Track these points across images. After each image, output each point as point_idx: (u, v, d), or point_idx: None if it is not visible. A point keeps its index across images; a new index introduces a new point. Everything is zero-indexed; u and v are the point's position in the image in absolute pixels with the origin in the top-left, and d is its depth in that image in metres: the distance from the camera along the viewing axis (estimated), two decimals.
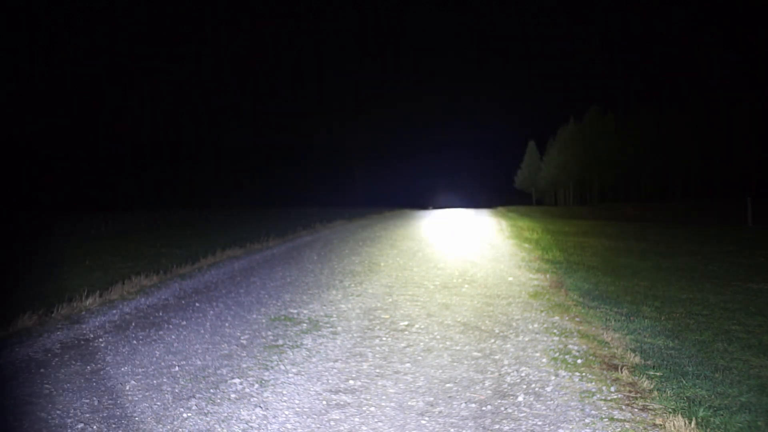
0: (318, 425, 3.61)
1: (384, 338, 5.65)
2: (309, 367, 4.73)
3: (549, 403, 3.94)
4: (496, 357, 5.01)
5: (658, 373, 4.49)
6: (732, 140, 65.22)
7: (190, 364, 4.78)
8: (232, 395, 4.09)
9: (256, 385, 4.28)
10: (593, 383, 4.29)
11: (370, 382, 4.38)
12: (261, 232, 17.41)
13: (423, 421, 3.67)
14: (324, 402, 3.99)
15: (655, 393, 4.08)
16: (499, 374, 4.55)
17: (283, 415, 3.75)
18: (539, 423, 3.61)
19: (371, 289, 8.25)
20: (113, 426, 3.57)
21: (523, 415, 3.74)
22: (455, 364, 4.83)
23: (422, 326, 6.11)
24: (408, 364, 4.82)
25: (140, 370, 4.62)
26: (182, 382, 4.33)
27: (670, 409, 3.78)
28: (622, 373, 4.49)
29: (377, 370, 4.66)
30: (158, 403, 3.92)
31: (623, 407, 3.84)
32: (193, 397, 4.05)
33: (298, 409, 3.85)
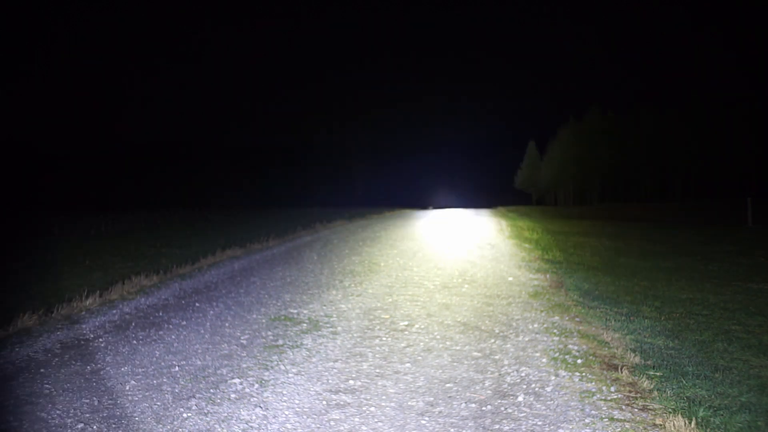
0: (318, 425, 3.61)
1: (384, 338, 5.65)
2: (309, 367, 4.73)
3: (549, 403, 3.94)
4: (496, 357, 5.01)
5: (658, 373, 4.49)
6: (732, 140, 65.23)
7: (190, 364, 4.78)
8: (232, 395, 4.09)
9: (256, 385, 4.28)
10: (593, 383, 4.29)
11: (370, 382, 4.38)
12: (261, 232, 17.42)
13: (423, 421, 3.67)
14: (324, 402, 3.99)
15: (655, 393, 4.08)
16: (499, 374, 4.55)
17: (283, 415, 3.75)
18: (539, 423, 3.61)
19: (371, 289, 8.25)
20: (113, 426, 3.57)
21: (523, 415, 3.75)
22: (455, 364, 4.83)
23: (422, 326, 6.11)
24: (408, 364, 4.82)
25: (140, 370, 4.62)
26: (182, 382, 4.33)
27: (670, 409, 3.78)
28: (622, 373, 4.49)
29: (377, 370, 4.66)
30: (158, 403, 3.92)
31: (623, 407, 3.84)
32: (193, 397, 4.05)
33: (298, 409, 3.85)
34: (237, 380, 4.38)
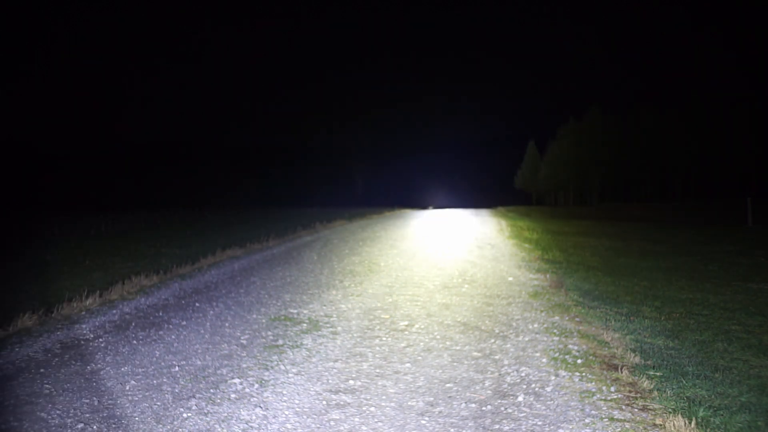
0: (318, 425, 3.61)
1: (384, 338, 5.65)
2: (309, 367, 4.73)
3: (549, 403, 3.94)
4: (496, 357, 5.01)
5: (658, 373, 4.49)
6: (732, 140, 65.22)
7: (190, 364, 4.78)
8: (232, 395, 4.09)
9: (256, 385, 4.28)
10: (593, 383, 4.29)
11: (370, 382, 4.38)
12: (261, 232, 17.42)
13: (423, 421, 3.67)
14: (324, 402, 3.99)
15: (655, 393, 4.08)
16: (499, 374, 4.55)
17: (283, 415, 3.75)
18: (539, 423, 3.61)
19: (371, 289, 8.25)
20: (113, 426, 3.57)
21: (523, 415, 3.75)
22: (455, 364, 4.83)
23: (422, 326, 6.11)
24: (408, 364, 4.82)
25: (140, 370, 4.62)
26: (182, 382, 4.33)
27: (670, 409, 3.78)
28: (622, 373, 4.49)
29: (377, 370, 4.66)
30: (158, 403, 3.92)
31: (623, 407, 3.84)
32: (193, 397, 4.05)
33: (298, 409, 3.85)
34: (237, 380, 4.38)
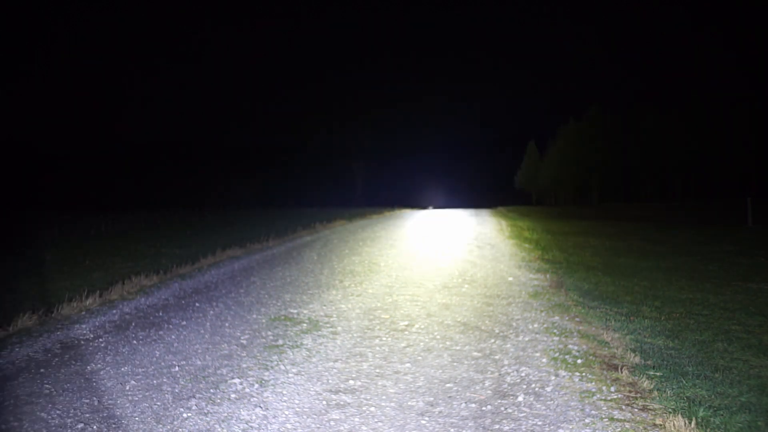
0: (318, 425, 3.61)
1: (384, 338, 5.65)
2: (309, 367, 4.73)
3: (549, 403, 3.94)
4: (496, 357, 5.01)
5: (658, 373, 4.49)
6: (732, 140, 65.21)
7: (190, 364, 4.78)
8: (232, 395, 4.09)
9: (256, 385, 4.28)
10: (593, 383, 4.29)
11: (370, 382, 4.39)
12: (261, 231, 17.41)
13: (423, 421, 3.67)
14: (324, 402, 3.99)
15: (655, 393, 4.08)
16: (499, 374, 4.55)
17: (283, 415, 3.75)
18: (539, 423, 3.61)
19: (371, 289, 8.25)
20: (113, 426, 3.57)
21: (523, 415, 3.75)
22: (455, 364, 4.83)
23: (422, 326, 6.11)
24: (408, 364, 4.82)
25: (140, 370, 4.62)
26: (182, 382, 4.33)
27: (670, 409, 3.78)
28: (622, 373, 4.49)
29: (377, 370, 4.67)
30: (158, 403, 3.92)
31: (623, 407, 3.84)
32: (193, 397, 4.05)
33: (298, 409, 3.85)
34: (237, 380, 4.38)
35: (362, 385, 4.32)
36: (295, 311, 6.80)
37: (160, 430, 3.52)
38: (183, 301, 7.35)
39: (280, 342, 5.46)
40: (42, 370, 4.58)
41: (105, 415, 3.73)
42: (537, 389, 4.19)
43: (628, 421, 3.61)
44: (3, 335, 5.62)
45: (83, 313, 6.64)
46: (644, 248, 14.86)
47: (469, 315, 6.65)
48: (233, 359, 4.91)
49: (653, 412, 3.76)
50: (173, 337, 5.61)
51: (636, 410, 3.79)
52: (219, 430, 3.53)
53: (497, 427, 3.58)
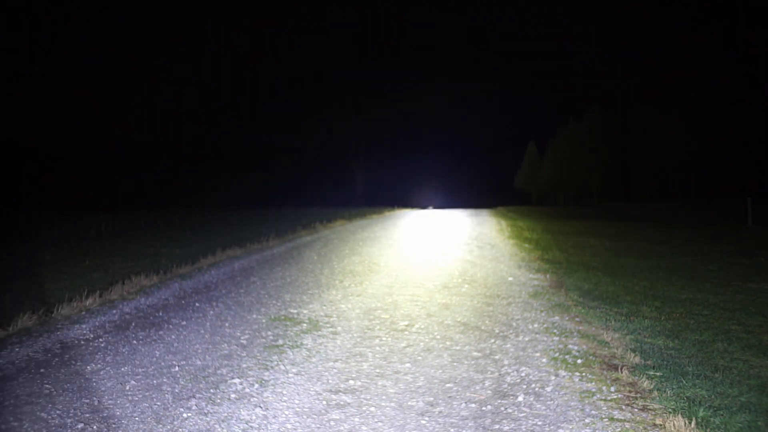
0: (318, 425, 3.61)
1: (384, 338, 5.65)
2: (309, 367, 4.73)
3: (549, 403, 3.94)
4: (496, 357, 5.01)
5: (658, 373, 4.49)
6: (732, 140, 65.23)
7: (190, 364, 4.78)
8: (232, 395, 4.09)
9: (256, 385, 4.28)
10: (593, 383, 4.29)
11: (370, 382, 4.39)
12: (261, 231, 17.41)
13: (423, 421, 3.67)
14: (324, 402, 3.99)
15: (655, 393, 4.08)
16: (499, 374, 4.55)
17: (283, 415, 3.75)
18: (539, 423, 3.61)
19: (371, 289, 8.25)
20: (113, 426, 3.57)
21: (523, 415, 3.75)
22: (455, 364, 4.84)
23: (422, 326, 6.11)
24: (408, 364, 4.82)
25: (140, 370, 4.62)
26: (182, 382, 4.33)
27: (670, 409, 3.78)
28: (622, 373, 4.49)
29: (377, 370, 4.67)
30: (158, 403, 3.92)
31: (623, 407, 3.84)
32: (193, 397, 4.05)
33: (298, 409, 3.85)
34: (237, 380, 4.38)
35: (362, 385, 4.32)
36: (295, 311, 6.80)
37: (160, 430, 3.52)
38: (183, 301, 7.35)
39: (280, 342, 5.46)
40: (42, 370, 4.58)
41: (105, 415, 3.73)
42: (537, 389, 4.19)
43: (628, 421, 3.61)
44: (3, 335, 5.62)
45: (83, 313, 6.64)
46: (644, 248, 14.86)
47: (469, 315, 6.65)
48: (233, 359, 4.91)
49: (653, 412, 3.76)
50: (173, 337, 5.61)
51: (636, 410, 3.80)
52: (219, 430, 3.53)
53: (497, 427, 3.58)
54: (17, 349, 5.15)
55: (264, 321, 6.29)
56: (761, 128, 62.91)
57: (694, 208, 41.62)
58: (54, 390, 4.15)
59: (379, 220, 27.06)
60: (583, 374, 4.49)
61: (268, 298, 7.54)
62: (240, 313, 6.68)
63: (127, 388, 4.21)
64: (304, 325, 6.14)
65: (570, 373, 4.52)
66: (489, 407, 3.89)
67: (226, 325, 6.11)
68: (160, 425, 3.58)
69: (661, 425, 3.55)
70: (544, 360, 4.89)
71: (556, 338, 5.58)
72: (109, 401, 3.96)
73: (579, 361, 4.84)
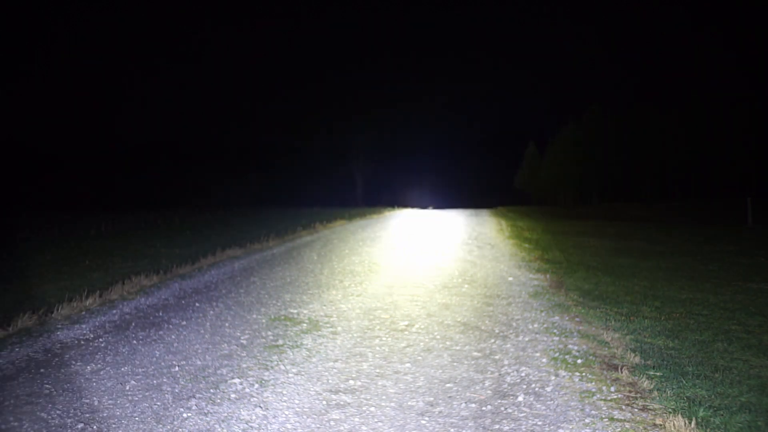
0: (318, 425, 3.61)
1: (384, 338, 5.65)
2: (309, 367, 4.73)
3: (549, 403, 3.94)
4: (496, 357, 5.01)
5: (658, 373, 4.49)
6: (732, 140, 65.24)
7: (190, 364, 4.78)
8: (232, 395, 4.09)
9: (256, 385, 4.29)
10: (593, 383, 4.29)
11: (370, 382, 4.39)
12: (261, 231, 17.41)
13: (423, 421, 3.67)
14: (324, 402, 3.99)
15: (655, 393, 4.08)
16: (499, 374, 4.55)
17: (283, 415, 3.75)
18: (539, 423, 3.61)
19: (371, 289, 8.25)
20: (113, 426, 3.57)
21: (523, 415, 3.75)
22: (455, 364, 4.84)
23: (422, 326, 6.11)
24: (408, 364, 4.82)
25: (140, 370, 4.62)
26: (182, 382, 4.33)
27: (670, 409, 3.78)
28: (622, 373, 4.49)
29: (377, 370, 4.67)
30: (158, 403, 3.92)
31: (623, 407, 3.84)
32: (193, 397, 4.05)
33: (298, 409, 3.85)
34: (237, 380, 4.38)
35: (362, 385, 4.32)
36: (295, 311, 6.80)
37: (160, 430, 3.52)
38: (183, 301, 7.35)
39: (280, 342, 5.46)
40: (42, 370, 4.58)
41: (105, 415, 3.73)
42: (537, 389, 4.20)
43: (628, 421, 3.61)
44: (3, 335, 5.62)
45: (83, 313, 6.64)
46: (644, 248, 14.86)
47: (469, 315, 6.65)
48: (233, 359, 4.91)
49: (653, 412, 3.76)
50: (173, 337, 5.61)
51: (636, 410, 3.80)
52: (219, 430, 3.53)
53: (497, 427, 3.58)
54: (17, 349, 5.15)
55: (264, 321, 6.29)
56: (761, 128, 62.90)
57: (694, 208, 41.63)
58: (54, 390, 4.15)
59: (379, 220, 27.06)
60: (583, 374, 4.49)
61: (268, 298, 7.54)
62: (240, 313, 6.68)
63: (127, 388, 4.21)
64: (304, 325, 6.14)
65: (570, 373, 4.52)
66: (489, 407, 3.89)
67: (226, 325, 6.11)
68: (160, 425, 3.58)
69: (661, 425, 3.55)
70: (544, 360, 4.89)
71: (556, 338, 5.58)
72: (109, 401, 3.96)
73: (579, 361, 4.84)
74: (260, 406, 3.89)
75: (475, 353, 5.13)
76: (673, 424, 3.50)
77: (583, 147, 76.49)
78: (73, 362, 4.81)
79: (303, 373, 4.59)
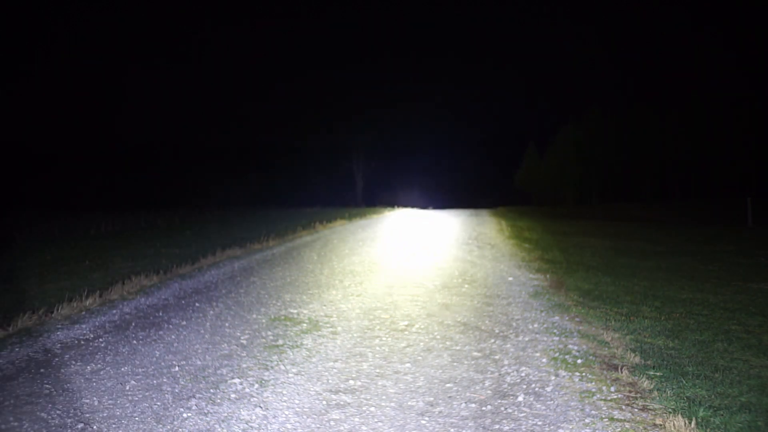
0: (318, 425, 3.61)
1: (384, 338, 5.65)
2: (309, 367, 4.73)
3: (549, 403, 3.94)
4: (496, 357, 5.01)
5: (658, 373, 4.49)
6: (732, 140, 65.24)
7: (190, 364, 4.78)
8: (232, 395, 4.09)
9: (256, 385, 4.28)
10: (593, 383, 4.29)
11: (370, 382, 4.39)
12: (261, 231, 17.41)
13: (423, 421, 3.67)
14: (324, 402, 3.99)
15: (655, 393, 4.08)
16: (499, 374, 4.55)
17: (283, 415, 3.75)
18: (539, 423, 3.61)
19: (371, 289, 8.25)
20: (113, 426, 3.57)
21: (523, 415, 3.75)
22: (455, 364, 4.84)
23: (422, 326, 6.11)
24: (408, 364, 4.82)
25: (140, 370, 4.62)
26: (182, 382, 4.33)
27: (670, 409, 3.78)
28: (622, 373, 4.49)
29: (377, 370, 4.67)
30: (158, 403, 3.92)
31: (623, 407, 3.84)
32: (193, 397, 4.05)
33: (298, 409, 3.85)
34: (237, 380, 4.38)
35: (362, 385, 4.32)
36: (295, 311, 6.80)
37: (160, 430, 3.52)
38: (183, 301, 7.35)
39: (280, 342, 5.46)
40: (42, 370, 4.58)
41: (105, 415, 3.73)
42: (537, 389, 4.20)
43: (628, 421, 3.61)
44: (3, 335, 5.62)
45: (83, 313, 6.64)
46: (644, 248, 14.86)
47: (469, 315, 6.65)
48: (233, 359, 4.91)
49: (653, 412, 3.76)
50: (173, 337, 5.61)
51: (636, 410, 3.80)
52: (219, 430, 3.53)
53: (497, 427, 3.58)
54: (17, 349, 5.15)
55: (264, 321, 6.29)
56: (761, 128, 62.90)
57: (694, 208, 41.64)
58: (54, 390, 4.15)
59: (379, 220, 27.06)
60: (583, 374, 4.49)
61: (268, 298, 7.54)
62: (240, 313, 6.68)
63: (127, 388, 4.21)
64: (304, 325, 6.14)
65: (570, 373, 4.52)
66: (489, 407, 3.89)
67: (226, 325, 6.11)
68: (160, 425, 3.58)
69: (661, 425, 3.55)
70: (544, 360, 4.89)
71: (556, 338, 5.58)
72: (109, 401, 3.96)
73: (579, 361, 4.84)
74: (260, 406, 3.89)
75: (475, 353, 5.13)
76: (673, 424, 3.50)
77: (583, 147, 76.49)
78: (73, 362, 4.81)
79: (303, 373, 4.59)
